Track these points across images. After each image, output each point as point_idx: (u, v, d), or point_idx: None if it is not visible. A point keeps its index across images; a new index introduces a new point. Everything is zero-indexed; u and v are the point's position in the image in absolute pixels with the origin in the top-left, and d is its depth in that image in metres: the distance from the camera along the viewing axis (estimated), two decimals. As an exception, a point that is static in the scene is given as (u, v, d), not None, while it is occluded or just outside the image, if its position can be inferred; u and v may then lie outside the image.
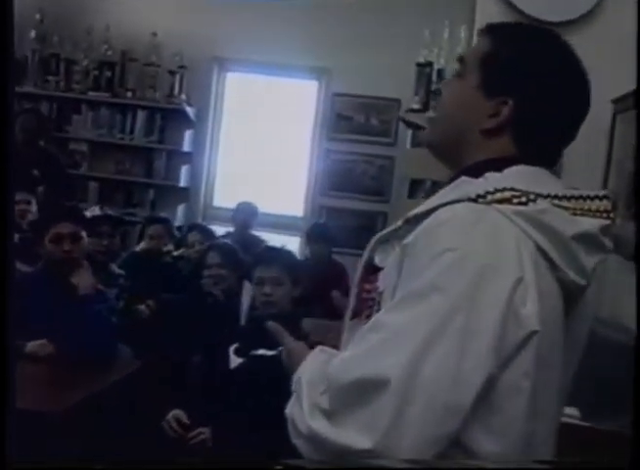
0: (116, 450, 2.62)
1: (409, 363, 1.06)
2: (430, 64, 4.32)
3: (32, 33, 6.59)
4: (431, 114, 3.45)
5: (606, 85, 3.47)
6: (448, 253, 1.11)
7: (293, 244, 6.05)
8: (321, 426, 1.11)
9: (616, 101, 3.45)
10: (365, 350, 1.12)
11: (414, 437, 1.05)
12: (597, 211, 1.21)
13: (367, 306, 1.27)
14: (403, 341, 1.08)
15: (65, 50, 6.64)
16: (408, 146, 4.87)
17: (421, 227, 1.18)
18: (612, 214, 1.22)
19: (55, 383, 3.02)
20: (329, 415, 1.12)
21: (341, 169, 6.56)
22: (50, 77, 6.61)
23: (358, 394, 1.08)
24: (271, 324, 1.47)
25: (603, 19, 3.66)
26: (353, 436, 1.07)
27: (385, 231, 1.30)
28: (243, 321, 3.71)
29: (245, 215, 5.96)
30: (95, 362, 3.11)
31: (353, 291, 1.34)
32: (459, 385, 1.06)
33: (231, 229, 5.96)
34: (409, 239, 1.18)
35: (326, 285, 4.83)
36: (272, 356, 2.65)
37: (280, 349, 1.44)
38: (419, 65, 4.34)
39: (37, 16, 6.57)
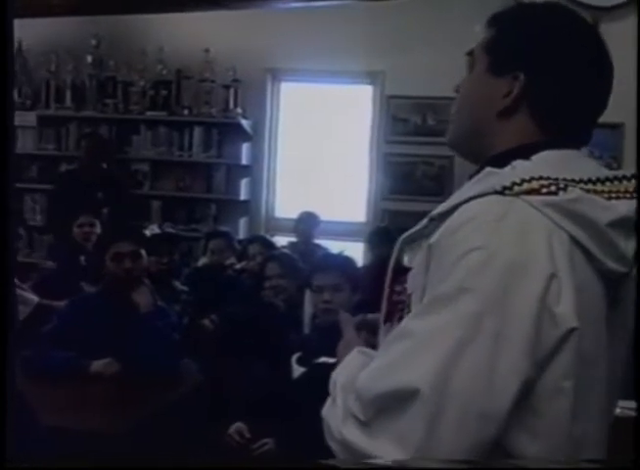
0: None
1: (439, 372, 1.01)
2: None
3: (89, 58, 6.72)
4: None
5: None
6: (474, 252, 1.05)
7: (357, 250, 6.00)
8: (354, 436, 1.08)
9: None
10: (392, 360, 1.08)
11: (450, 447, 1.00)
12: (635, 191, 1.13)
13: (398, 310, 1.24)
14: (431, 349, 1.03)
15: (121, 73, 6.74)
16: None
17: (445, 225, 1.12)
18: None
19: (118, 401, 3.04)
20: (363, 425, 1.07)
21: (400, 172, 6.49)
22: (108, 100, 6.71)
23: (389, 406, 1.04)
24: (343, 314, 1.46)
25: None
26: (387, 448, 1.03)
27: (411, 230, 1.26)
28: (306, 330, 3.70)
29: (307, 225, 5.95)
30: (158, 379, 3.12)
31: (385, 294, 1.30)
32: (494, 391, 1.01)
33: (294, 240, 5.96)
34: (434, 238, 1.12)
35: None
36: (335, 364, 2.62)
37: None
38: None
39: (93, 41, 6.70)
